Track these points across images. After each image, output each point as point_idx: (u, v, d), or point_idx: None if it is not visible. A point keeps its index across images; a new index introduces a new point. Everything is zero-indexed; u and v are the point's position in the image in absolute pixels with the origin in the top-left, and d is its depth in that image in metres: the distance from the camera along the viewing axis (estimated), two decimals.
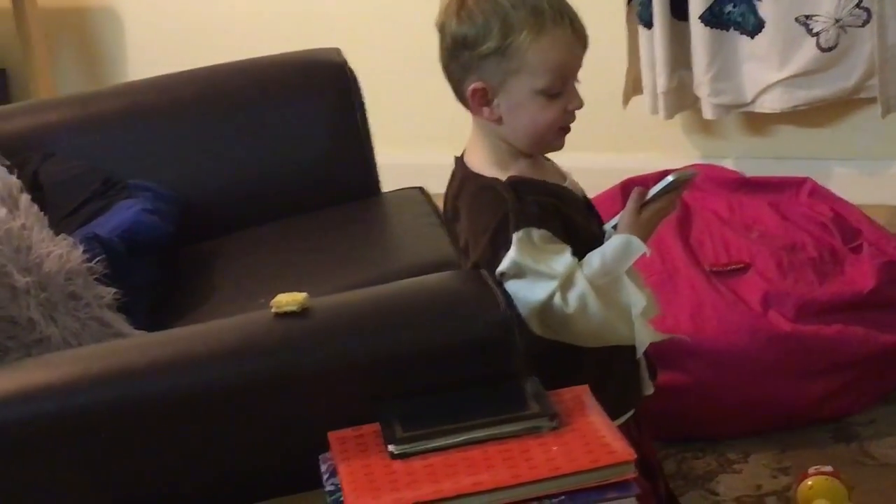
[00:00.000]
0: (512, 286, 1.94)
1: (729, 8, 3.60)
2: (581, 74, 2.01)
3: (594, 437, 1.70)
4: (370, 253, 2.59)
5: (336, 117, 2.80)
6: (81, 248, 2.29)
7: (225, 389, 1.82)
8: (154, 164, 2.72)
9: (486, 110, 1.99)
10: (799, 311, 2.81)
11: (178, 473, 1.83)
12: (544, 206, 1.98)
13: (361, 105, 2.79)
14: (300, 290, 1.88)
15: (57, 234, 2.33)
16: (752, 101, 3.68)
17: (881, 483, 2.59)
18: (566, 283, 1.95)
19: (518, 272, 1.95)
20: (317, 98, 2.81)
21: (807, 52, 3.57)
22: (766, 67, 3.62)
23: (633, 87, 3.80)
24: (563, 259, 1.96)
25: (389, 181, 2.85)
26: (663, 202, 2.04)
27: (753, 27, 3.61)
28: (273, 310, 1.86)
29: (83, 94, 3.05)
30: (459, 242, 2.06)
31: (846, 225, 3.10)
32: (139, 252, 2.47)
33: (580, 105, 2.00)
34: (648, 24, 3.66)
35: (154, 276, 2.52)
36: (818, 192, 3.24)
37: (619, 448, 1.68)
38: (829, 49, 3.55)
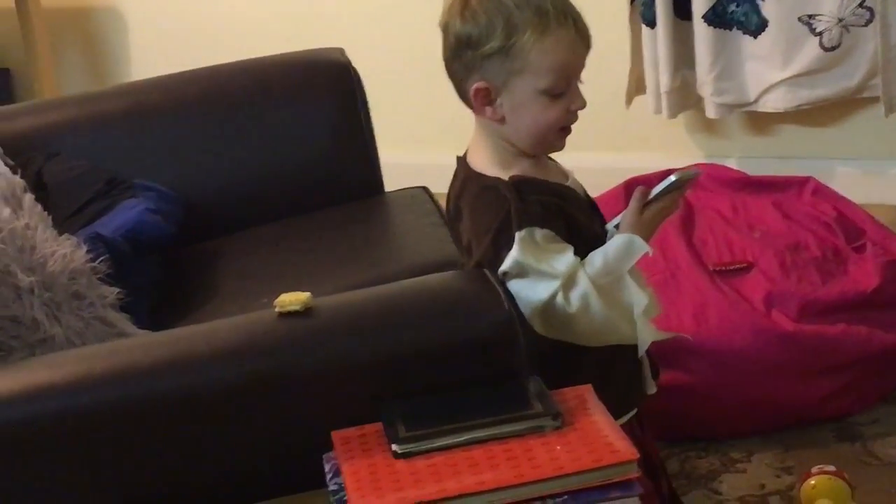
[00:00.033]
0: (514, 286, 1.95)
1: (732, 7, 3.60)
2: (584, 74, 2.01)
3: (597, 437, 1.71)
4: (373, 252, 2.60)
5: (339, 117, 2.80)
6: (85, 248, 2.29)
7: (228, 389, 1.82)
8: (157, 164, 2.72)
9: (488, 110, 1.99)
10: (802, 311, 2.81)
11: (182, 473, 1.83)
12: (547, 206, 1.98)
13: (365, 105, 2.79)
14: (303, 290, 1.88)
15: (61, 233, 2.33)
16: (756, 101, 3.68)
17: (884, 482, 2.59)
18: (568, 282, 1.95)
19: (520, 272, 1.95)
20: (320, 98, 2.81)
21: (810, 51, 3.57)
22: (769, 67, 3.62)
23: (637, 86, 3.80)
24: (565, 258, 1.96)
25: (392, 181, 2.85)
26: (666, 201, 2.04)
27: (756, 27, 3.61)
28: (276, 309, 1.87)
29: (87, 94, 3.06)
30: (462, 242, 2.06)
31: (849, 224, 3.10)
32: (142, 252, 2.48)
33: (583, 105, 2.00)
34: (651, 24, 3.66)
35: (157, 275, 2.52)
36: (821, 192, 3.24)
37: (622, 447, 1.68)
38: (832, 49, 3.55)
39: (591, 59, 2.01)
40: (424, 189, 2.80)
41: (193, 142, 2.77)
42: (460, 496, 1.63)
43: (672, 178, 2.02)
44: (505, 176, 2.00)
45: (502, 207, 1.96)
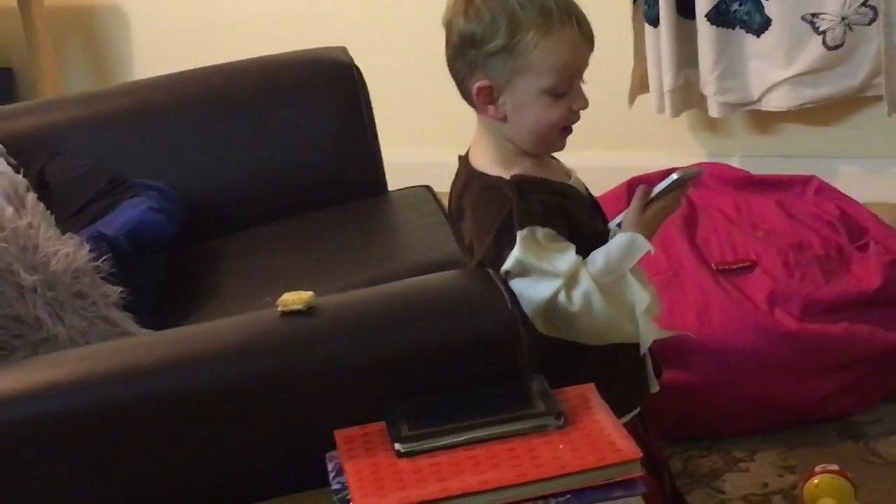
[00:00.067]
0: (516, 285, 1.94)
1: (735, 6, 3.60)
2: (587, 72, 2.01)
3: (600, 436, 1.70)
4: (376, 251, 2.60)
5: (342, 116, 2.80)
6: (88, 247, 2.29)
7: (231, 388, 1.82)
8: (160, 163, 2.72)
9: (491, 108, 1.99)
10: (805, 310, 2.81)
11: (184, 472, 1.83)
12: (548, 205, 1.98)
13: (368, 104, 2.79)
14: (306, 289, 1.88)
15: (63, 232, 2.33)
16: (759, 100, 3.68)
17: (887, 481, 2.58)
18: (570, 281, 1.95)
19: (522, 271, 1.95)
20: (323, 97, 2.81)
21: (813, 50, 3.57)
22: (772, 66, 3.62)
23: (639, 85, 3.80)
24: (567, 257, 1.96)
25: (395, 180, 2.85)
26: (668, 200, 2.04)
27: (759, 25, 3.61)
28: (279, 308, 1.87)
29: (89, 93, 3.06)
30: (464, 241, 2.06)
31: (852, 223, 3.10)
32: (145, 251, 2.48)
33: (585, 105, 2.00)
34: (654, 23, 3.66)
35: (160, 274, 2.52)
36: (824, 191, 3.24)
37: (624, 446, 1.68)
38: (836, 47, 3.55)
39: (594, 58, 2.01)
40: (427, 188, 2.80)
41: (196, 141, 2.77)
42: (463, 495, 1.63)
43: (674, 176, 2.02)
44: (507, 175, 2.00)
45: (504, 206, 1.96)
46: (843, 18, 3.52)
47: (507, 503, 1.64)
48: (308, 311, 1.86)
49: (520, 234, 1.94)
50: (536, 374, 1.83)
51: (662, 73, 3.68)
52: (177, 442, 1.82)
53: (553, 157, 2.10)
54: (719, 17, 3.61)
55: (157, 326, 2.28)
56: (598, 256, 1.98)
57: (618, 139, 3.87)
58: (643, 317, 1.98)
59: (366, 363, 1.85)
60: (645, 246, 1.98)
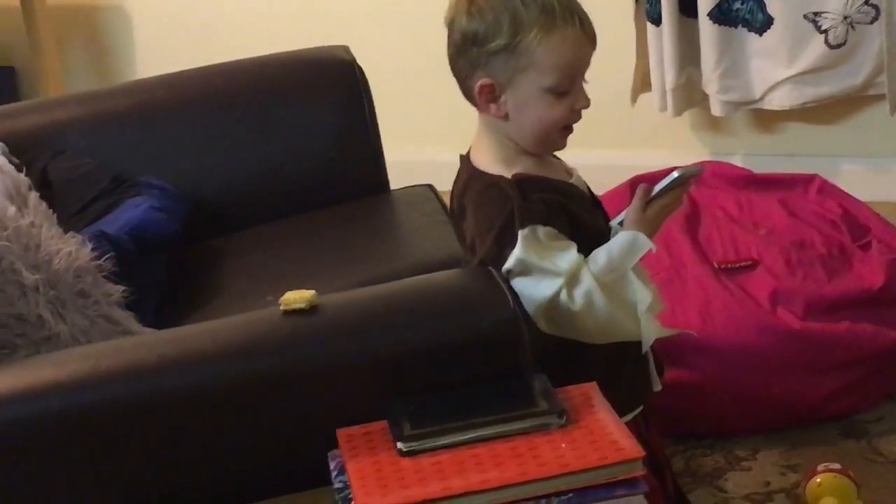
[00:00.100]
0: (518, 284, 1.95)
1: (737, 5, 3.60)
2: (589, 71, 2.01)
3: (602, 435, 1.70)
4: (378, 250, 2.59)
5: (345, 115, 2.80)
6: (90, 246, 2.30)
7: (233, 387, 1.82)
8: (163, 162, 2.72)
9: (492, 107, 1.99)
10: (807, 308, 2.80)
11: (186, 470, 1.83)
12: (550, 204, 1.98)
13: (370, 102, 2.79)
14: (308, 288, 1.88)
15: (66, 231, 2.33)
16: (761, 98, 3.68)
17: (890, 480, 2.58)
18: (572, 280, 1.95)
19: (524, 269, 1.95)
20: (325, 96, 2.81)
21: (815, 49, 3.57)
22: (774, 64, 3.62)
23: (642, 83, 3.80)
24: (568, 256, 1.96)
25: (398, 178, 2.85)
26: (669, 198, 2.04)
27: (762, 24, 3.61)
28: (281, 307, 1.87)
29: (92, 92, 3.06)
30: (466, 240, 2.06)
31: (855, 222, 3.09)
32: (148, 249, 2.48)
33: (587, 104, 2.00)
34: (657, 21, 3.66)
35: (162, 273, 2.52)
36: (827, 189, 3.23)
37: (627, 445, 1.68)
38: (838, 46, 3.55)
39: (597, 57, 2.01)
40: (430, 187, 2.79)
41: (198, 140, 2.77)
42: (465, 494, 1.63)
43: (675, 174, 2.02)
44: (508, 174, 2.00)
45: (505, 205, 1.96)
46: (845, 17, 3.52)
47: (510, 502, 1.64)
48: (310, 310, 1.86)
49: (521, 233, 1.94)
50: (538, 373, 1.83)
51: (665, 71, 3.68)
52: (179, 441, 1.82)
53: (555, 156, 2.10)
54: (721, 15, 3.61)
55: (160, 325, 2.28)
56: (600, 255, 1.98)
57: (620, 138, 3.87)
58: (645, 315, 1.98)
59: (368, 362, 1.85)
60: (646, 244, 1.98)
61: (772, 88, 3.64)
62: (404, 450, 1.71)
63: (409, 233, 2.72)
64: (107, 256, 2.30)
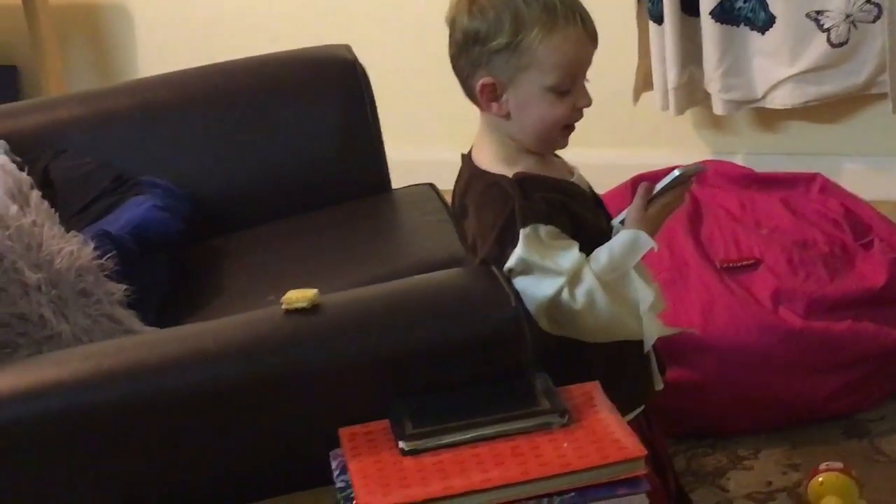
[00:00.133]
0: (519, 283, 1.94)
1: (739, 3, 3.60)
2: (591, 70, 2.01)
3: (604, 434, 1.70)
4: (380, 249, 2.59)
5: (346, 114, 2.80)
6: (92, 245, 2.30)
7: (235, 386, 1.82)
8: (164, 161, 2.72)
9: (494, 106, 1.99)
10: (809, 308, 2.80)
11: (188, 469, 1.83)
12: (551, 203, 1.98)
13: (371, 102, 2.79)
14: (310, 287, 1.88)
15: (68, 230, 2.33)
16: (763, 97, 3.67)
17: (892, 479, 2.58)
18: (574, 279, 1.95)
19: (525, 269, 1.95)
20: (327, 95, 2.81)
21: (817, 47, 3.56)
22: (776, 63, 3.62)
23: (644, 82, 3.79)
24: (570, 255, 1.96)
25: (399, 178, 2.85)
26: (670, 197, 2.04)
27: (764, 23, 3.60)
28: (283, 306, 1.87)
29: (94, 91, 3.06)
30: (468, 239, 2.06)
31: (857, 221, 3.09)
32: (150, 249, 2.48)
33: (588, 103, 2.00)
34: (659, 20, 3.66)
35: (164, 272, 2.52)
36: (829, 189, 3.23)
37: (629, 444, 1.68)
38: (840, 45, 3.55)
39: (599, 55, 2.01)
40: (431, 186, 2.79)
41: (200, 139, 2.77)
42: (467, 493, 1.63)
43: (676, 172, 2.02)
44: (509, 173, 2.00)
45: (507, 204, 1.96)
46: (847, 16, 3.52)
47: (511, 501, 1.64)
48: (312, 309, 1.86)
49: (523, 232, 1.94)
50: (540, 372, 1.83)
51: (667, 70, 3.68)
52: (180, 440, 1.82)
53: (556, 155, 2.10)
54: (724, 14, 3.61)
55: (162, 324, 2.28)
56: (602, 254, 1.98)
57: (622, 137, 3.87)
58: (647, 314, 1.98)
59: (370, 361, 1.85)
60: (648, 243, 1.98)
61: (774, 87, 3.64)
62: (406, 449, 1.71)
63: (411, 232, 2.72)
64: (109, 255, 2.30)
